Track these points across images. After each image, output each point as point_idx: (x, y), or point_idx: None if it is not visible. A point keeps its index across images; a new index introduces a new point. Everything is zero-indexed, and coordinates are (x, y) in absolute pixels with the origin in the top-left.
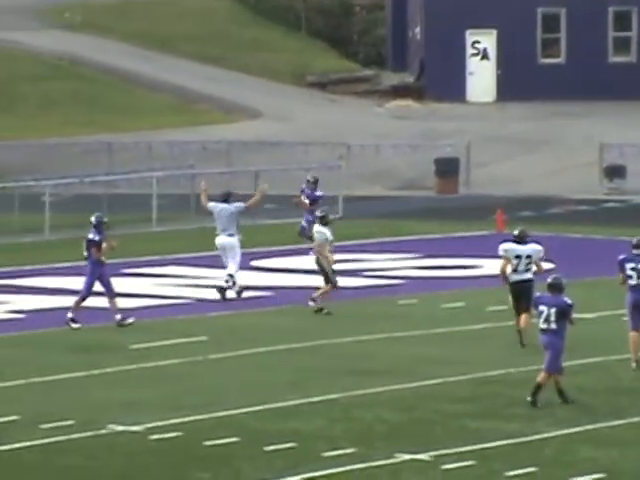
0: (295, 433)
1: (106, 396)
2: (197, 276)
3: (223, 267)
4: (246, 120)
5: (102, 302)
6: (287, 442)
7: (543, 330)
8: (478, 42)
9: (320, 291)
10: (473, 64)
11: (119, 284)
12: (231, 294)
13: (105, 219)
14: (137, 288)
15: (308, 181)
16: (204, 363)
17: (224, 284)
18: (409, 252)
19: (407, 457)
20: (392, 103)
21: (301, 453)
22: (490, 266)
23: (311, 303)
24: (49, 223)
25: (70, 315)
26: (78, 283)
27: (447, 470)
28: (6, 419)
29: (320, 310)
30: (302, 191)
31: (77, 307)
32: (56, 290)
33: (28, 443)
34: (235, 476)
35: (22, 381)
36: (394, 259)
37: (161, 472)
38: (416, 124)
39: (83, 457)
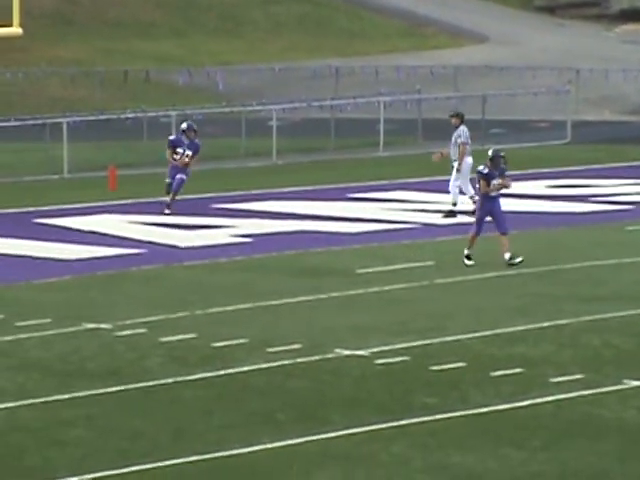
0: (522, 358)
1: (332, 320)
2: (424, 201)
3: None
4: (473, 45)
5: (319, 225)
6: (514, 368)
7: None
8: None
9: None
10: None
11: (344, 209)
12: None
13: (502, 153)
14: (363, 212)
15: (185, 130)
16: (430, 288)
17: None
18: (637, 178)
19: (635, 383)
20: (621, 27)
21: (528, 379)
22: None
23: None
24: (276, 147)
25: (466, 252)
26: (310, 208)
27: None
28: (234, 342)
29: None
30: (171, 142)
31: (472, 244)
32: (283, 214)
33: (256, 366)
34: (462, 401)
35: (249, 305)
36: (622, 184)
37: (387, 396)
38: None
39: (310, 381)
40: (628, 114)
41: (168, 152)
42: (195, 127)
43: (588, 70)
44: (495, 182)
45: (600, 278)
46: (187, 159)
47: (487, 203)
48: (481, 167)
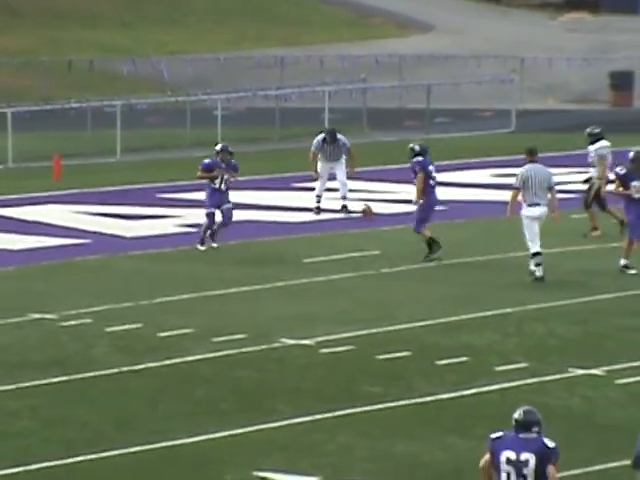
0: (467, 347)
1: (278, 310)
2: (369, 190)
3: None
4: (418, 34)
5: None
6: (459, 356)
7: None
8: None
9: None
10: None
11: (290, 198)
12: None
13: None
14: (309, 202)
15: (224, 150)
16: (376, 277)
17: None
18: (582, 166)
19: (580, 372)
20: (566, 16)
21: (473, 367)
22: None
23: None
24: (221, 137)
25: (622, 262)
26: (256, 197)
27: (621, 385)
28: (180, 332)
29: None
30: (206, 166)
31: (629, 252)
32: None
33: (201, 356)
34: (407, 390)
35: (195, 294)
36: (567, 173)
37: (332, 385)
38: (589, 37)
39: (255, 370)
40: (572, 102)
41: (200, 174)
42: (230, 149)
43: (532, 59)
44: (636, 184)
45: (545, 266)
46: (233, 179)
47: (633, 205)
48: (618, 168)
